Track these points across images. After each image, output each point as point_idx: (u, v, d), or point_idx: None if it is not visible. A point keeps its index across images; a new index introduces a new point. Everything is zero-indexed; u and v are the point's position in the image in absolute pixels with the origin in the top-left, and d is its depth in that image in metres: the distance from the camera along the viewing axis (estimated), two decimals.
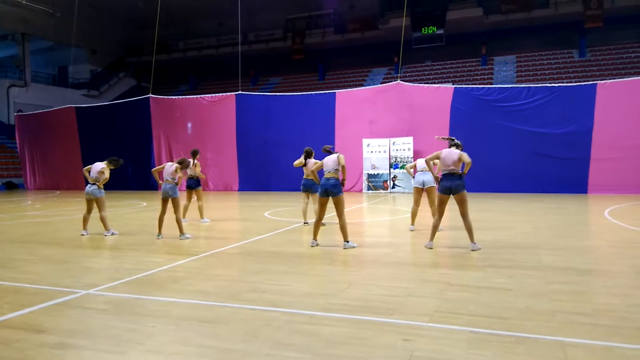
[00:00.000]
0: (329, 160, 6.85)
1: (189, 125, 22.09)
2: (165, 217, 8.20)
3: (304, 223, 9.29)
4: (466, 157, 6.38)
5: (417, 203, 8.44)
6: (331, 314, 3.88)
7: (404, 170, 17.94)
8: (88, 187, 8.43)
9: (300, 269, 5.59)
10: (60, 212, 12.84)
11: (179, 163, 8.14)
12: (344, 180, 6.83)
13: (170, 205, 8.05)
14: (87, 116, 23.77)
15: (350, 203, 14.06)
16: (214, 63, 35.91)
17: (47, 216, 11.97)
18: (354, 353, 3.10)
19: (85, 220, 8.59)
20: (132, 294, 4.56)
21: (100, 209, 8.47)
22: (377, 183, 18.91)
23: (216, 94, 22.10)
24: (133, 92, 34.15)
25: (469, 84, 22.82)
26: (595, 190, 16.19)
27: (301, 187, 9.07)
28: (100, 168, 8.40)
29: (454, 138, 6.77)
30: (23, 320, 3.87)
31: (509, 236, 7.71)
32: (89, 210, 8.60)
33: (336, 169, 6.79)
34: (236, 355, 3.12)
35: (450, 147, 6.60)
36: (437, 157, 6.70)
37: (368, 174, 19.00)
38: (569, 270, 5.27)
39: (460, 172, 6.46)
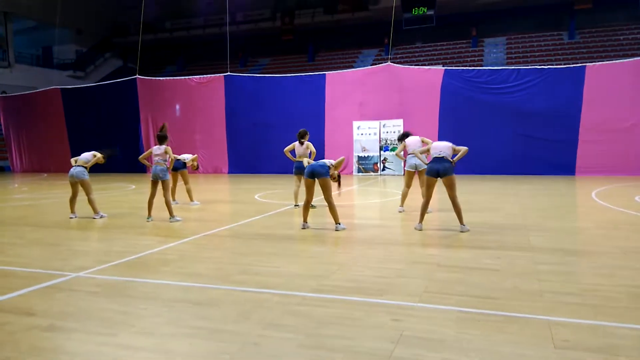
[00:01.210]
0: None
1: (177, 107, 21.85)
2: (155, 199, 8.15)
3: (295, 205, 9.29)
4: (460, 148, 6.54)
5: (408, 185, 8.49)
6: (322, 295, 3.91)
7: (394, 154, 17.97)
8: (72, 170, 8.32)
9: (291, 251, 5.61)
10: (47, 195, 12.70)
11: (160, 130, 8.05)
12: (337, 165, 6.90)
13: (160, 187, 8.00)
14: (73, 98, 23.39)
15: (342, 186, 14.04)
16: (202, 44, 35.36)
17: (34, 199, 11.83)
18: (345, 333, 3.13)
19: (72, 204, 8.51)
20: (123, 276, 4.55)
21: (87, 192, 8.38)
22: (367, 165, 18.95)
23: (204, 75, 21.85)
24: (120, 73, 33.58)
25: (459, 66, 22.77)
26: (583, 172, 16.38)
27: (294, 170, 9.05)
28: (89, 156, 8.34)
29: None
30: (12, 303, 3.84)
31: (497, 218, 7.79)
32: (75, 194, 8.51)
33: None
34: (228, 336, 3.13)
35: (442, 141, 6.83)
36: (428, 150, 6.84)
37: (358, 156, 19.02)
38: (557, 251, 5.35)
39: (451, 158, 6.49)
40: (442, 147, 6.58)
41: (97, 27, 36.47)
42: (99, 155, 8.44)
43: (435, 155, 6.57)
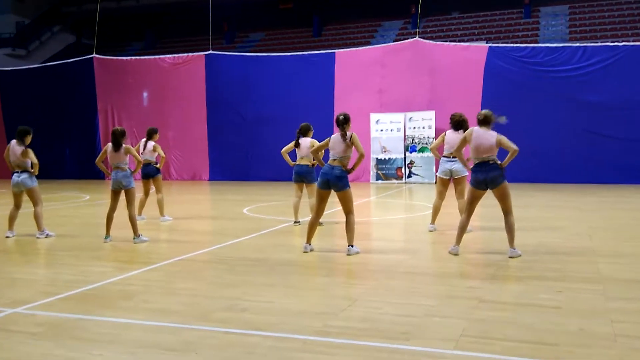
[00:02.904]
0: (337, 141, 6.79)
1: (145, 94, 21.98)
2: (116, 214, 8.18)
3: (295, 222, 9.29)
4: (508, 143, 6.34)
5: (441, 197, 8.47)
6: (329, 338, 3.90)
7: (428, 154, 17.95)
8: (16, 177, 8.37)
9: (289, 282, 5.60)
10: None
11: (116, 134, 8.00)
12: (352, 169, 6.78)
13: (122, 198, 8.03)
14: (12, 82, 23.60)
15: (355, 197, 14.02)
16: (177, 14, 35.60)
17: None
18: None
19: (11, 219, 8.55)
20: (72, 313, 4.56)
21: (35, 203, 8.42)
22: (388, 171, 18.93)
23: (180, 54, 21.97)
24: (71, 51, 33.83)
25: (507, 42, 22.78)
26: None
27: (293, 176, 9.06)
28: (20, 150, 8.28)
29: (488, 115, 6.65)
30: None
31: (557, 239, 7.75)
32: (18, 206, 8.56)
33: (344, 156, 6.71)
34: None
35: (480, 126, 6.55)
36: (466, 141, 6.65)
37: (377, 158, 19.01)
38: (634, 284, 5.31)
39: (499, 161, 6.43)
40: (484, 148, 6.45)
41: None
42: (30, 155, 8.28)
43: (477, 161, 6.48)
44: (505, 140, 6.41)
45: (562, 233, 8.28)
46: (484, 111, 6.63)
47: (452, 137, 8.15)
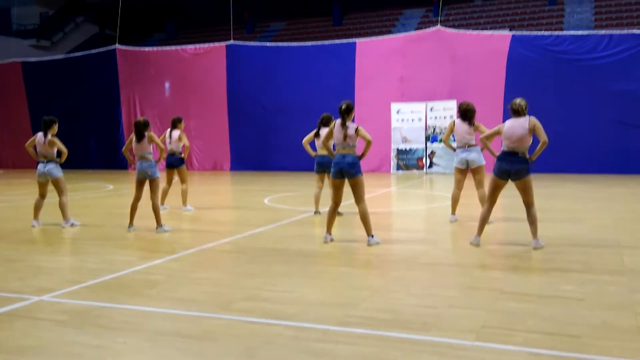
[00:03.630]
0: (337, 130, 6.77)
1: (167, 85, 22.15)
2: (140, 203, 8.28)
3: (315, 212, 9.32)
4: (541, 131, 6.21)
5: (459, 186, 8.42)
6: (349, 328, 3.91)
7: (442, 139, 17.83)
8: (42, 166, 8.50)
9: (310, 272, 5.62)
10: (4, 198, 13.03)
11: (139, 125, 8.10)
12: (361, 156, 6.78)
13: (146, 188, 8.13)
14: (36, 73, 23.94)
15: (375, 187, 14.06)
16: (198, 4, 35.69)
17: None
18: None
19: (37, 208, 8.69)
20: (97, 301, 4.63)
21: (60, 193, 8.56)
22: (409, 161, 18.86)
23: (201, 45, 22.07)
24: (95, 41, 34.17)
25: (531, 30, 22.43)
26: None
27: (315, 167, 9.06)
28: (47, 140, 8.41)
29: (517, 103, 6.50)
30: None
31: (582, 230, 7.67)
32: (43, 196, 8.70)
33: (354, 145, 6.74)
34: None
35: (514, 116, 6.41)
36: (499, 133, 6.56)
37: (398, 149, 18.95)
38: None
39: (528, 154, 6.34)
40: (516, 137, 6.31)
41: None
42: (58, 144, 8.45)
43: (506, 150, 6.38)
44: (539, 126, 6.25)
45: (587, 224, 8.18)
46: (518, 100, 6.45)
47: (461, 126, 8.12)
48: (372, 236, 6.81)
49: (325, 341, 3.70)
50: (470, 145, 8.12)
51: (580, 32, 17.57)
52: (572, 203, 10.74)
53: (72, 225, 8.54)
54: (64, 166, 8.68)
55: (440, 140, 18.33)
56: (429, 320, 4.06)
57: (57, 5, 37.03)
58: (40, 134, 8.49)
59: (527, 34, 18.14)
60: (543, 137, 6.24)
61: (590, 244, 6.76)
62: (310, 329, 3.92)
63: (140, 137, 8.01)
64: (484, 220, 6.74)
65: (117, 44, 22.31)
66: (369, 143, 6.73)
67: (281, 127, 19.86)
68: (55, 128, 8.56)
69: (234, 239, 7.39)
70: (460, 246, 6.87)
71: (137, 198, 8.23)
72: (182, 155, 10.22)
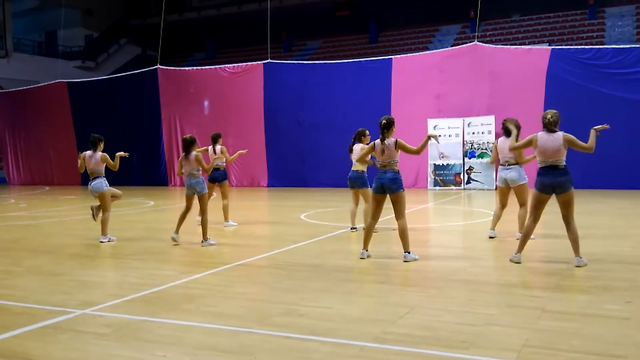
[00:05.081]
0: (377, 146, 6.77)
1: (206, 103, 22.50)
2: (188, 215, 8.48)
3: (352, 228, 9.30)
4: (578, 142, 6.18)
5: (502, 204, 8.28)
6: (386, 345, 3.88)
7: (487, 160, 17.61)
8: (90, 183, 8.73)
9: (346, 288, 5.60)
10: (50, 213, 13.38)
11: (186, 142, 8.32)
12: (421, 149, 6.81)
13: (196, 202, 8.37)
14: (81, 93, 24.62)
15: (412, 203, 13.95)
16: (237, 24, 36.35)
17: (34, 218, 12.52)
18: None
19: (104, 224, 8.82)
20: (138, 315, 4.71)
21: (104, 209, 8.79)
22: (446, 177, 18.69)
23: (239, 64, 22.37)
24: (137, 62, 35.12)
25: (571, 44, 22.09)
26: None
27: (348, 182, 9.07)
28: (98, 156, 8.69)
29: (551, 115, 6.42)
30: (4, 345, 4.06)
31: (626, 247, 7.49)
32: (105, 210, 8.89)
33: (394, 161, 6.72)
34: None
35: (546, 130, 6.34)
36: (530, 143, 6.47)
37: (435, 164, 18.80)
38: None
39: (564, 164, 6.23)
40: (551, 151, 6.23)
41: (111, 7, 38.33)
42: (108, 160, 8.77)
43: (544, 165, 6.28)
44: (574, 139, 6.19)
45: (631, 241, 7.96)
46: (550, 112, 6.38)
47: (504, 143, 8.01)
48: (410, 252, 6.76)
49: (362, 357, 3.67)
50: (511, 164, 7.99)
51: (622, 46, 17.21)
52: (616, 219, 10.47)
53: (109, 240, 8.69)
54: (108, 183, 8.88)
55: (479, 156, 18.15)
56: (468, 338, 4.00)
57: (101, 28, 38.23)
58: (88, 152, 8.76)
59: (567, 48, 17.87)
60: (583, 146, 6.20)
61: (635, 261, 6.59)
62: (347, 345, 3.90)
63: (187, 154, 8.21)
64: (526, 237, 6.61)
65: (158, 64, 22.83)
66: (415, 152, 6.79)
67: (317, 143, 19.94)
68: (102, 146, 8.83)
69: (272, 254, 7.43)
70: (500, 263, 6.76)
71: (188, 208, 8.49)
72: (234, 156, 10.74)
